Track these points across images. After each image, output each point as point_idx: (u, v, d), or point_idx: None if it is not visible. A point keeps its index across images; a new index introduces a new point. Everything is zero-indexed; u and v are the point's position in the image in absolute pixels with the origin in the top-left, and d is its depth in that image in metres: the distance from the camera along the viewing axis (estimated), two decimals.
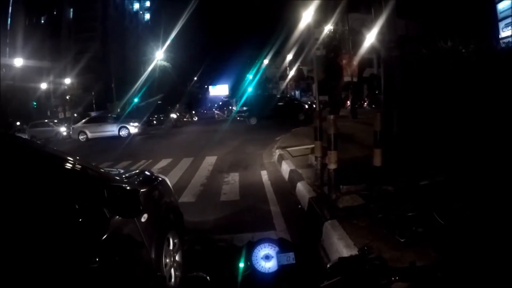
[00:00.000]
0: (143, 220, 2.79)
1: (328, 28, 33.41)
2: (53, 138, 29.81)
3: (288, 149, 10.21)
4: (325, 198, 5.40)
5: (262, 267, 1.26)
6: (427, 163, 6.19)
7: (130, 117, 27.89)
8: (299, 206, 5.87)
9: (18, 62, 36.19)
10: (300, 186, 6.32)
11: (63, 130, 31.20)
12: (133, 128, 25.98)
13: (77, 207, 2.09)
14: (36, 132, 30.34)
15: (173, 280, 3.36)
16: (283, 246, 1.29)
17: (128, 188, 2.35)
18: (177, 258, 3.56)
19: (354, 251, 3.51)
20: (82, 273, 1.87)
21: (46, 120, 33.94)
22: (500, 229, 3.29)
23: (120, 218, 2.34)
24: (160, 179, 3.83)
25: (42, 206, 1.84)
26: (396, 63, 6.52)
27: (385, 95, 6.83)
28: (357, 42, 25.26)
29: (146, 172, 3.79)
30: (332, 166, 5.28)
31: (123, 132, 25.69)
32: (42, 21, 64.44)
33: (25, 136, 29.76)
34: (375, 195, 5.35)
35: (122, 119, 27.43)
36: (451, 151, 6.53)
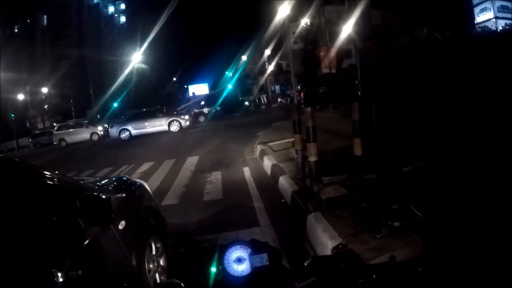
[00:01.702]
0: (120, 227, 2.75)
1: (305, 21, 33.52)
2: (89, 139, 29.17)
3: (270, 144, 10.19)
4: (308, 191, 5.39)
5: (235, 270, 1.21)
6: (408, 151, 6.24)
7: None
8: (283, 200, 5.85)
9: None
10: (283, 180, 6.30)
11: (99, 129, 30.48)
12: (184, 121, 24.89)
13: (49, 219, 2.03)
14: (68, 134, 29.69)
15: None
16: (255, 248, 1.24)
17: (99, 196, 2.27)
18: (161, 262, 3.52)
19: (339, 242, 3.53)
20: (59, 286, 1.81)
21: (75, 122, 33.54)
22: (482, 220, 3.31)
23: (95, 227, 2.30)
24: (138, 183, 3.78)
25: (11, 221, 1.80)
26: (372, 53, 6.53)
27: (362, 85, 6.83)
28: (334, 33, 25.28)
29: (123, 178, 3.73)
30: (313, 158, 5.27)
31: (174, 127, 24.36)
32: (16, 30, 63.06)
33: (54, 139, 29.95)
34: (357, 184, 5.36)
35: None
36: (431, 138, 6.59)
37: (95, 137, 29.47)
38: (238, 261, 1.22)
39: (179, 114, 26.55)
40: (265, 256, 1.22)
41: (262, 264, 1.20)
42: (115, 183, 3.40)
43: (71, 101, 48.84)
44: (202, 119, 31.47)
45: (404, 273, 1.09)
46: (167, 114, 25.83)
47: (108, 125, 29.71)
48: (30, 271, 1.73)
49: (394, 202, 3.76)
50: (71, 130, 30.09)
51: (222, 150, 12.26)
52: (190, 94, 57.79)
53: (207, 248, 4.47)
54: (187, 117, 26.08)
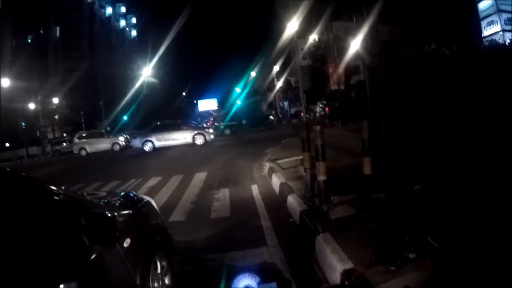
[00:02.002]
0: (125, 245, 2.71)
1: (313, 37, 33.76)
2: (111, 149, 29.24)
3: (278, 161, 10.11)
4: (317, 210, 5.30)
5: None
6: (417, 168, 6.17)
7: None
8: (291, 219, 5.77)
9: (5, 82, 35.93)
10: (291, 199, 6.22)
11: (121, 140, 30.61)
12: (208, 135, 24.40)
13: (52, 236, 2.03)
14: (88, 143, 29.84)
15: None
16: (264, 276, 1.21)
17: (104, 214, 2.27)
18: (166, 281, 3.43)
19: (348, 265, 3.45)
20: None
21: (102, 130, 34.04)
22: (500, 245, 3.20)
23: (100, 247, 2.27)
24: (145, 200, 3.74)
25: (13, 236, 1.79)
26: (380, 69, 6.52)
27: (371, 102, 6.80)
28: (342, 49, 25.50)
29: (130, 194, 3.70)
30: (322, 178, 5.20)
31: (198, 141, 23.85)
32: (29, 41, 64.11)
33: (74, 148, 30.21)
34: (366, 204, 5.29)
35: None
36: (440, 154, 6.51)
37: (117, 148, 29.56)
38: None
39: (203, 128, 26.38)
40: (274, 285, 1.17)
41: None
42: (121, 199, 3.37)
43: (81, 112, 49.33)
44: (227, 131, 31.54)
45: None
46: (192, 127, 25.51)
47: (130, 135, 29.87)
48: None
49: (409, 232, 3.67)
50: (92, 139, 30.29)
51: (230, 166, 12.18)
52: (200, 109, 58.01)
53: (214, 267, 4.39)
54: (211, 130, 25.78)
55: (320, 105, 31.39)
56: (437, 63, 8.58)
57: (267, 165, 10.13)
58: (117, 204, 3.17)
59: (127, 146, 29.41)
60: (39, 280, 1.79)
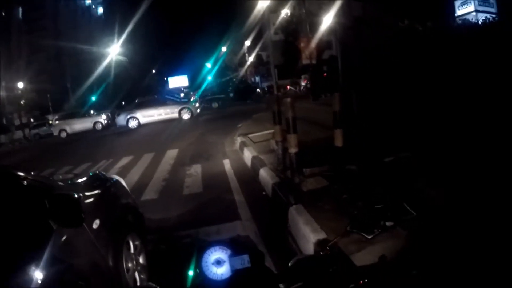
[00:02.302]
0: (95, 226, 2.63)
1: (285, 12, 33.42)
2: (92, 129, 27.90)
3: (250, 135, 10.11)
4: (289, 183, 5.32)
5: (214, 273, 1.11)
6: (390, 142, 6.25)
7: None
8: (264, 193, 5.78)
9: None
10: (263, 173, 6.22)
11: (103, 118, 29.17)
12: (194, 109, 24.05)
13: (16, 220, 1.96)
14: (69, 124, 28.48)
15: (138, 284, 3.19)
16: (236, 248, 1.14)
17: (68, 195, 2.16)
18: (140, 260, 3.37)
19: (322, 235, 3.48)
20: None
21: (76, 111, 32.13)
22: (474, 218, 3.26)
23: (63, 229, 2.18)
24: (114, 180, 3.66)
25: None
26: (353, 43, 6.49)
27: (343, 76, 6.81)
28: (315, 24, 25.32)
29: (98, 174, 3.61)
30: (293, 150, 5.21)
31: (185, 115, 23.35)
32: None
33: (54, 130, 28.73)
34: (338, 175, 5.33)
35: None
36: (413, 128, 6.60)
37: (99, 127, 28.38)
38: (217, 263, 1.13)
39: (189, 102, 25.66)
40: (246, 257, 1.13)
41: (243, 266, 1.11)
42: (88, 179, 3.27)
43: (48, 95, 47.71)
44: (215, 105, 31.00)
45: (397, 276, 1.01)
46: (177, 102, 24.97)
47: (112, 113, 28.93)
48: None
49: (382, 199, 3.70)
50: (71, 119, 29.02)
51: (202, 142, 12.11)
52: (170, 86, 57.08)
53: (188, 244, 4.37)
54: (197, 104, 25.31)
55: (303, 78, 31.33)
56: (410, 39, 8.61)
57: (238, 140, 10.10)
58: (83, 184, 3.07)
59: (110, 124, 28.49)
60: (5, 267, 1.72)
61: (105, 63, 46.44)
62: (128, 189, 3.98)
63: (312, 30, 25.15)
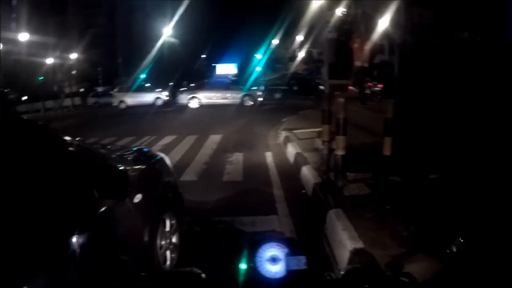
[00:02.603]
0: (136, 200, 2.65)
1: (340, 10, 32.77)
2: (153, 104, 27.73)
3: (295, 131, 10.02)
4: (331, 185, 5.22)
5: (267, 270, 1.07)
6: (438, 154, 6.02)
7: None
8: (303, 191, 5.70)
9: (24, 36, 35.84)
10: (305, 170, 6.14)
11: (165, 94, 29.29)
12: (257, 97, 24.04)
13: (61, 185, 1.93)
14: (129, 96, 28.65)
15: (168, 262, 3.24)
16: (293, 248, 1.10)
17: (116, 168, 2.19)
18: (173, 240, 3.40)
19: (359, 244, 3.37)
20: (66, 255, 1.74)
21: (139, 84, 32.31)
22: None
23: (109, 201, 2.22)
24: (158, 157, 3.66)
25: (26, 182, 1.71)
26: (411, 50, 6.23)
27: (398, 82, 6.55)
28: (369, 26, 24.77)
29: (144, 149, 3.71)
30: (340, 152, 5.09)
31: (247, 102, 23.43)
32: None
33: (114, 101, 29.22)
34: (382, 185, 5.18)
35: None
36: (462, 144, 6.33)
37: (159, 102, 28.16)
38: (273, 260, 1.08)
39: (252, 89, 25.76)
40: (303, 259, 1.08)
41: (299, 268, 1.07)
42: (135, 154, 3.31)
43: (99, 68, 49.27)
44: (277, 95, 31.06)
45: None
46: (241, 88, 24.99)
47: (174, 91, 29.20)
48: (43, 235, 1.66)
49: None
50: (133, 92, 29.24)
51: (246, 131, 12.13)
52: (218, 73, 57.53)
53: (222, 230, 4.39)
54: (260, 93, 25.24)
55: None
56: (469, 52, 8.20)
57: (282, 134, 10.03)
58: (129, 158, 3.10)
59: (171, 101, 28.47)
60: (52, 229, 1.74)
61: (157, 44, 47.26)
62: (171, 168, 3.97)
63: (366, 31, 24.58)
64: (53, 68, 41.64)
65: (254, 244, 1.11)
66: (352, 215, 4.16)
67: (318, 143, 7.53)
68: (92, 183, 2.07)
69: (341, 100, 4.99)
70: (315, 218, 4.54)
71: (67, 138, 2.24)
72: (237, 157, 8.16)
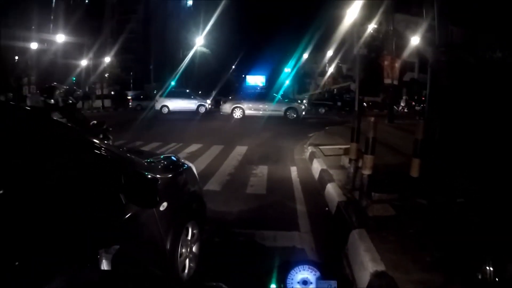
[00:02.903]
0: (161, 208, 2.67)
1: (371, 27, 32.62)
2: (195, 111, 28.27)
3: (321, 147, 9.93)
4: (355, 204, 5.14)
5: None
6: (466, 178, 5.88)
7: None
8: (327, 208, 5.64)
9: (60, 38, 37.21)
10: (330, 188, 6.06)
11: (208, 103, 29.88)
12: (300, 110, 24.09)
13: (90, 190, 1.97)
14: (172, 102, 28.87)
15: (186, 271, 3.25)
16: (325, 272, 1.15)
17: (146, 175, 2.19)
18: (194, 249, 3.42)
19: (380, 267, 3.30)
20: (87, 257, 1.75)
21: (182, 90, 32.92)
22: None
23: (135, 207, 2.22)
24: (186, 166, 3.67)
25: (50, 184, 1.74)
26: (444, 69, 6.12)
27: (429, 102, 6.45)
28: (400, 44, 24.52)
29: (172, 157, 3.65)
30: (367, 172, 5.01)
31: (290, 115, 23.42)
32: (87, 1, 65.57)
33: (156, 105, 29.40)
34: (407, 207, 5.08)
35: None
36: (492, 168, 6.15)
37: (202, 110, 28.69)
38: (304, 283, 1.09)
39: (295, 102, 25.97)
40: (334, 283, 1.09)
41: None
42: (164, 162, 3.32)
43: (131, 73, 50.53)
44: (322, 110, 30.92)
45: None
46: (284, 101, 25.02)
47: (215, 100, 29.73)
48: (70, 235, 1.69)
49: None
50: (177, 98, 29.28)
51: (272, 145, 12.11)
52: (248, 84, 57.97)
53: (242, 243, 4.37)
54: (303, 106, 25.39)
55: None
56: (503, 73, 8.00)
57: (309, 149, 9.97)
58: (159, 166, 3.12)
59: (212, 110, 29.10)
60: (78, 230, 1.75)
61: (190, 53, 48.10)
62: (197, 177, 4.00)
63: (397, 49, 24.35)
64: (86, 69, 42.92)
65: (286, 265, 1.13)
66: (375, 237, 4.08)
67: (345, 160, 7.46)
68: (120, 189, 2.10)
69: (371, 118, 4.92)
70: (337, 237, 4.47)
71: (97, 141, 2.27)
72: (262, 170, 8.14)
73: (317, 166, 7.81)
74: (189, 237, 3.30)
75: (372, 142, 4.95)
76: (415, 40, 22.54)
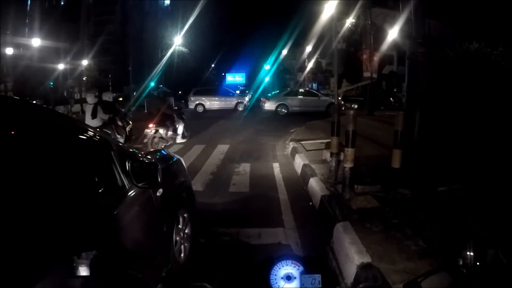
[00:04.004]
0: (158, 194, 3.00)
1: (350, 21, 32.86)
2: (234, 108, 27.78)
3: (302, 142, 9.92)
4: (338, 198, 5.16)
5: None
6: (447, 168, 5.93)
7: None
8: (310, 203, 5.64)
9: (36, 42, 36.33)
10: (313, 182, 6.07)
11: (246, 100, 29.34)
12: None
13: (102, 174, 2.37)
14: (209, 100, 28.44)
15: (182, 254, 3.61)
16: (308, 266, 1.09)
17: (150, 161, 2.74)
18: (186, 231, 3.77)
19: (366, 259, 3.31)
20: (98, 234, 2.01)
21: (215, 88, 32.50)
22: None
23: (137, 189, 2.59)
24: (175, 158, 4.09)
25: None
26: (423, 60, 6.16)
27: (408, 94, 6.49)
28: (378, 37, 24.74)
29: (163, 152, 4.17)
30: (349, 165, 5.03)
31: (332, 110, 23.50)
32: (62, 2, 64.38)
33: (190, 104, 28.73)
34: (390, 198, 5.11)
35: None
36: (472, 156, 6.22)
37: (240, 107, 28.10)
38: (287, 278, 1.06)
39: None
40: (318, 277, 1.06)
41: (313, 286, 1.06)
42: (156, 154, 3.79)
43: (109, 75, 49.81)
44: (355, 106, 30.84)
45: None
46: (326, 96, 25.19)
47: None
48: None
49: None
50: (212, 96, 29.06)
51: (253, 142, 12.08)
52: (227, 82, 57.81)
53: (227, 242, 4.33)
54: (342, 102, 25.09)
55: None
56: (480, 63, 8.16)
57: (290, 145, 9.96)
58: (154, 158, 3.45)
59: (252, 107, 28.69)
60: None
61: (168, 53, 47.64)
62: (186, 169, 4.32)
63: (375, 42, 24.57)
64: (64, 73, 42.12)
65: (269, 261, 1.09)
66: (359, 229, 4.10)
67: (326, 154, 7.47)
68: (124, 174, 2.50)
69: (351, 112, 4.93)
70: (322, 231, 4.48)
71: (107, 138, 2.62)
72: (244, 168, 8.10)
73: (299, 161, 7.80)
74: (181, 223, 3.60)
75: (352, 135, 4.96)
76: (393, 33, 22.79)
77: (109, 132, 10.89)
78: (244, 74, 58.51)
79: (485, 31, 11.52)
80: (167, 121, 11.00)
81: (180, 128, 11.78)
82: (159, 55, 50.60)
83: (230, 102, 28.54)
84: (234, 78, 57.02)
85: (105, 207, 2.20)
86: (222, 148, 10.54)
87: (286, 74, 52.06)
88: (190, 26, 47.90)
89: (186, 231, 3.73)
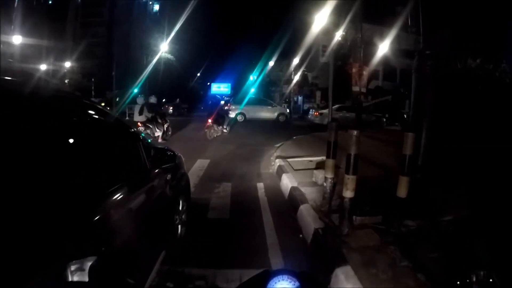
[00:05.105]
0: (167, 178, 3.70)
1: (339, 35, 32.55)
2: (275, 119, 27.50)
3: (289, 159, 9.09)
4: (335, 232, 4.38)
5: None
6: (455, 194, 5.37)
7: None
8: (301, 235, 4.82)
9: (17, 39, 34.79)
10: (304, 211, 5.23)
11: (287, 111, 29.47)
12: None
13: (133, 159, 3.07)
14: (248, 110, 27.79)
15: (179, 232, 4.21)
16: (305, 282, 0.95)
17: (170, 150, 4.50)
18: (183, 217, 4.36)
19: None
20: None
21: (260, 98, 32.32)
22: None
23: (156, 171, 3.37)
24: (177, 154, 4.68)
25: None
26: (430, 75, 5.47)
27: (414, 112, 5.80)
28: (367, 52, 24.40)
29: (170, 148, 4.74)
30: (349, 195, 4.25)
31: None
32: (50, 2, 63.03)
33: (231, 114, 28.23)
34: (394, 232, 4.40)
35: None
36: (480, 178, 5.71)
37: (282, 118, 28.08)
38: None
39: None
40: None
41: None
42: (165, 147, 4.80)
43: (92, 79, 48.72)
44: (373, 118, 30.77)
45: None
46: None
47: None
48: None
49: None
50: (254, 106, 28.55)
51: (236, 157, 11.26)
52: (212, 92, 57.26)
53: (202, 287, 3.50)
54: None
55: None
56: (481, 80, 7.66)
57: (276, 162, 9.14)
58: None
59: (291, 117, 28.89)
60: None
61: (154, 59, 46.83)
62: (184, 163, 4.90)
63: (364, 57, 24.16)
64: (46, 75, 40.83)
65: (264, 275, 0.98)
66: (364, 275, 3.40)
67: (318, 176, 6.71)
68: (150, 159, 3.27)
69: (355, 132, 4.16)
70: (316, 274, 3.68)
71: (134, 131, 3.24)
72: (225, 188, 7.28)
73: (286, 183, 6.96)
74: (180, 207, 4.23)
75: (354, 160, 4.19)
76: (382, 49, 22.76)
77: (151, 126, 13.40)
78: (229, 84, 58.05)
79: (482, 47, 11.14)
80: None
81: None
82: (145, 61, 49.85)
83: (276, 112, 28.80)
84: (219, 88, 56.41)
85: (136, 180, 2.84)
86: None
87: (272, 86, 51.67)
88: (177, 34, 47.46)
89: (182, 216, 4.32)
